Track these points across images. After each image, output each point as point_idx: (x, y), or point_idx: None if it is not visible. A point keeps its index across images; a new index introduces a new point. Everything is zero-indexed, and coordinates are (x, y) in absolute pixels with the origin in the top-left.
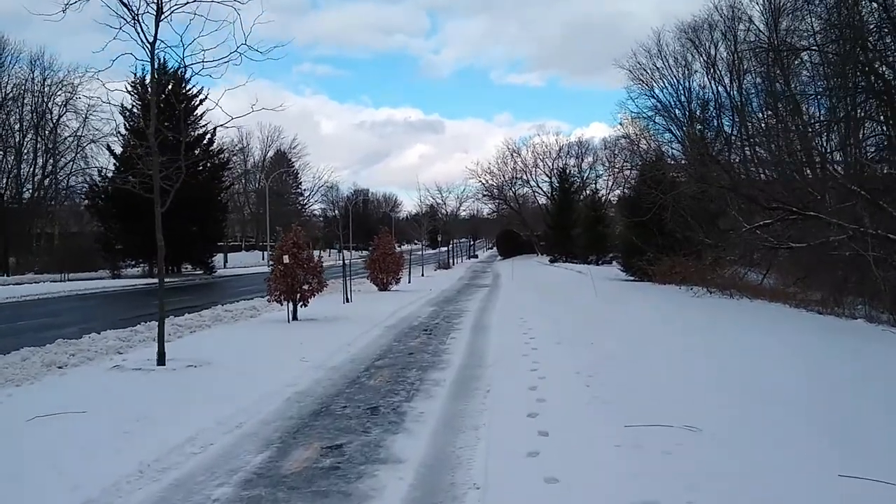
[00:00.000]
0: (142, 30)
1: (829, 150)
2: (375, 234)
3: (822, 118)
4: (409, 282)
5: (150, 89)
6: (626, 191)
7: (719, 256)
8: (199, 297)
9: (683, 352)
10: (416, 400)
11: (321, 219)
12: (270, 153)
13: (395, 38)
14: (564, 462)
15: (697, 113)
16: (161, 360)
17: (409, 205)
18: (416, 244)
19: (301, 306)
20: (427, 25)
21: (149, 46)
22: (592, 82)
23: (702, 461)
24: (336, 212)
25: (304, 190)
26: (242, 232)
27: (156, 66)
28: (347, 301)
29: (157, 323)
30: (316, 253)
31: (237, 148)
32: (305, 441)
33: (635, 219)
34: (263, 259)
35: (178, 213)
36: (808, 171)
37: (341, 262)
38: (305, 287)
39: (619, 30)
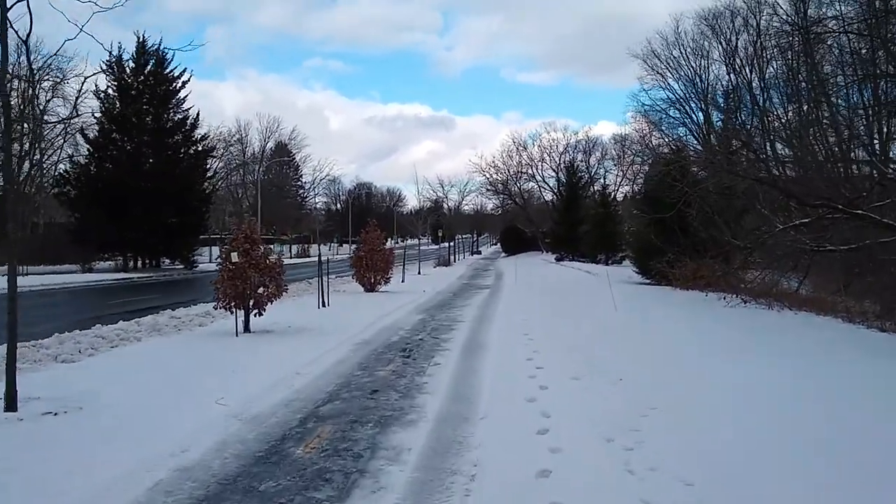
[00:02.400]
0: None
1: (869, 142)
2: (378, 228)
3: (860, 107)
4: (403, 281)
5: None
6: (636, 187)
7: (749, 259)
8: (164, 296)
9: (747, 395)
10: (354, 499)
11: (323, 212)
12: (270, 144)
13: (408, 35)
14: None
15: (721, 104)
16: (10, 403)
17: (414, 200)
18: (420, 239)
19: (255, 315)
20: (440, 23)
21: None
22: (602, 81)
23: None
24: (338, 206)
25: (305, 183)
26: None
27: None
28: (323, 305)
29: (97, 329)
30: (316, 247)
31: (234, 138)
32: None
33: (655, 215)
34: None
35: (156, 203)
36: (840, 167)
37: (336, 256)
38: (261, 291)
39: (633, 28)
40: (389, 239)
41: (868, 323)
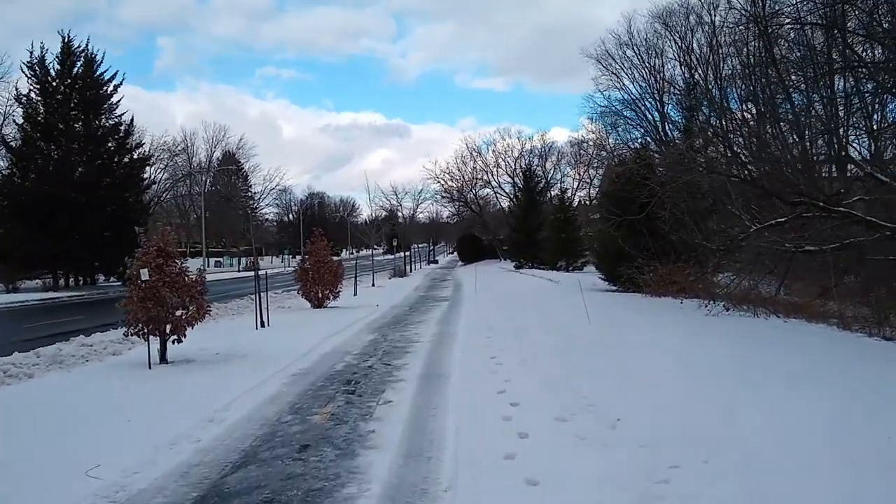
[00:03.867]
0: None
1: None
2: (331, 238)
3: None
4: (356, 294)
5: None
6: (593, 191)
7: (722, 262)
8: (90, 317)
9: (787, 439)
10: None
11: (274, 223)
12: (217, 154)
13: (362, 43)
14: None
15: (680, 102)
16: None
17: (369, 210)
18: (375, 249)
19: (174, 342)
20: (394, 29)
21: None
22: (556, 88)
23: None
24: (290, 216)
25: (255, 193)
26: (188, 238)
27: None
28: (262, 326)
29: None
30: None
31: (179, 148)
32: None
33: (623, 217)
34: (210, 266)
35: (88, 215)
36: (816, 165)
37: (288, 269)
38: (179, 314)
39: (585, 35)
40: (344, 250)
41: (867, 331)
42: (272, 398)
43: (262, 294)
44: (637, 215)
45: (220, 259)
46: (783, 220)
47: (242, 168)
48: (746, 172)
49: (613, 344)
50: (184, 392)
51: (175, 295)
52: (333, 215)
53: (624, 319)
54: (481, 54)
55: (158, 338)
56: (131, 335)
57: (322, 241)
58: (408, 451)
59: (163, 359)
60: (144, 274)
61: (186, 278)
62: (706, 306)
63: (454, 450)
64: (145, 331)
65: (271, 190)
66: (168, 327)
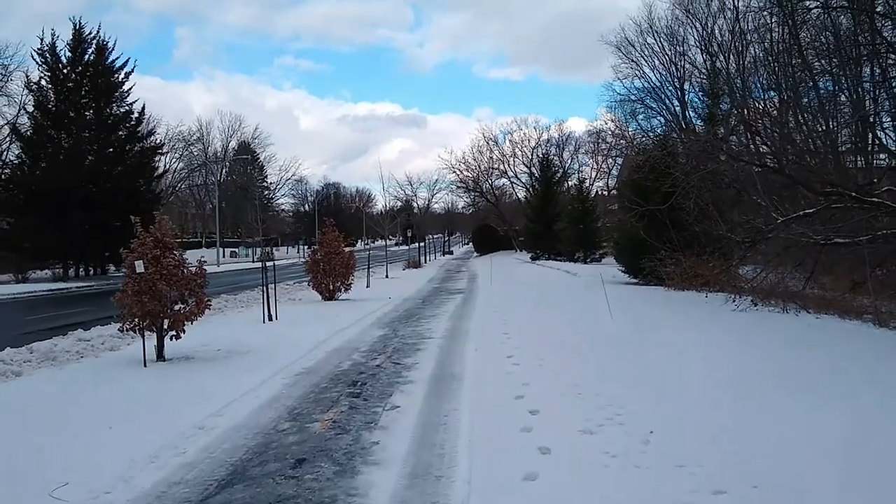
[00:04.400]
0: None
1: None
2: (346, 228)
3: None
4: (368, 286)
5: None
6: (611, 181)
7: (748, 255)
8: (97, 308)
9: (857, 461)
10: None
11: (290, 214)
12: (233, 144)
13: (379, 32)
14: None
15: (703, 89)
16: None
17: (384, 200)
18: (391, 240)
19: (172, 338)
20: (411, 19)
21: None
22: (573, 78)
23: None
24: (306, 207)
25: (271, 183)
26: (204, 228)
27: None
28: (270, 319)
29: None
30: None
31: (194, 137)
32: None
33: (645, 207)
34: (225, 256)
35: (99, 205)
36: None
37: (302, 260)
38: (178, 308)
39: (604, 24)
40: (359, 241)
41: None
42: (271, 401)
43: (271, 286)
44: (660, 205)
45: (236, 249)
46: (812, 210)
47: (258, 158)
48: (774, 162)
49: (639, 342)
50: (177, 394)
51: (173, 288)
52: (349, 206)
53: (648, 315)
54: (498, 44)
55: (155, 334)
56: (126, 331)
57: (333, 232)
58: (414, 469)
59: (160, 356)
60: (140, 266)
61: (185, 271)
62: (734, 301)
63: (467, 468)
64: (141, 326)
65: (287, 180)
66: (165, 322)
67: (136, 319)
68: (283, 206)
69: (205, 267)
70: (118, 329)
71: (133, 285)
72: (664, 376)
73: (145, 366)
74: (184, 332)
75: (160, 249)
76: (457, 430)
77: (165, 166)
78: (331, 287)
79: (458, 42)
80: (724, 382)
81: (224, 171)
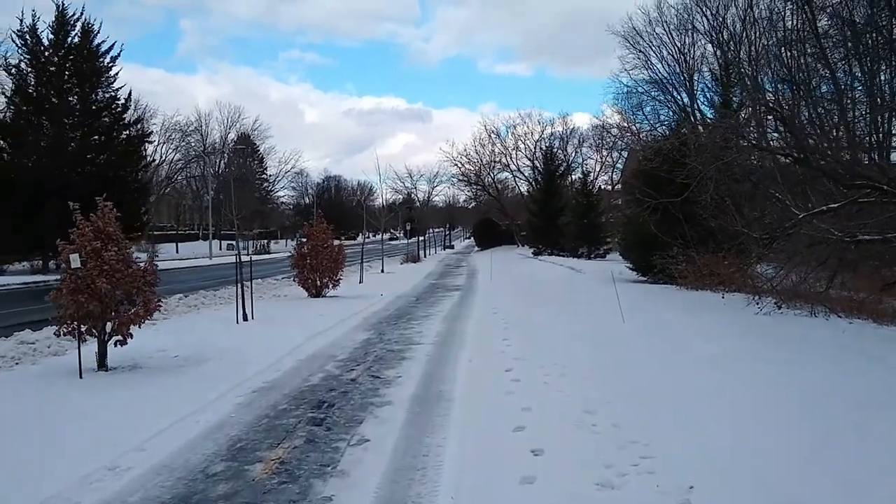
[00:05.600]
0: None
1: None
2: (347, 222)
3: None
4: (361, 281)
5: None
6: (616, 176)
7: (768, 252)
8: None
9: None
10: None
11: (290, 207)
12: (232, 135)
13: (385, 26)
14: None
15: (714, 79)
16: None
17: (387, 193)
18: (391, 233)
19: (118, 344)
20: (417, 13)
21: None
22: (578, 73)
23: None
24: (306, 199)
25: (270, 176)
26: (201, 220)
27: None
28: (245, 319)
29: None
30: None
31: (191, 128)
32: None
33: (657, 200)
34: (222, 249)
35: (81, 194)
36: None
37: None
38: (125, 308)
39: (610, 19)
40: (360, 234)
41: None
42: (212, 430)
43: (256, 282)
44: (675, 197)
45: (233, 242)
46: (836, 205)
47: (258, 150)
48: (800, 152)
49: (659, 353)
50: (103, 416)
51: (117, 286)
52: (350, 199)
53: (664, 319)
54: (504, 38)
55: (97, 339)
56: (64, 335)
57: (322, 224)
58: None
59: (101, 365)
60: (75, 260)
61: (133, 267)
62: (756, 303)
63: None
64: (81, 330)
65: (287, 173)
66: (109, 326)
67: (75, 322)
68: (282, 199)
69: (156, 262)
70: (54, 333)
71: (68, 282)
72: (695, 400)
73: (81, 377)
74: (131, 336)
75: (101, 241)
76: (437, 480)
77: (161, 157)
78: (318, 283)
79: (464, 36)
80: (772, 410)
81: (223, 162)
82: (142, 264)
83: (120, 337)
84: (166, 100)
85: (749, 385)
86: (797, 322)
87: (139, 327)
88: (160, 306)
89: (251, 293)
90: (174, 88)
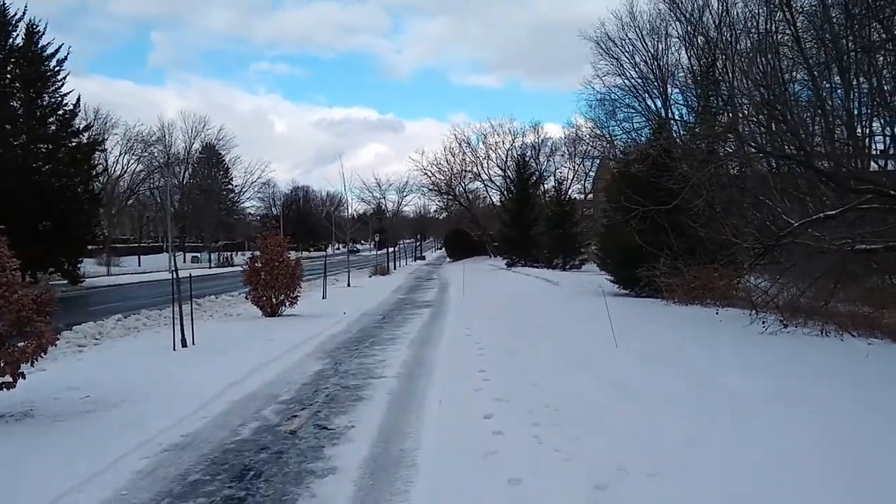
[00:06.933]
0: None
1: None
2: (315, 233)
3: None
4: (325, 297)
5: None
6: (587, 185)
7: (765, 264)
8: None
9: None
10: None
11: (257, 218)
12: (196, 145)
13: (357, 38)
14: None
15: (690, 84)
16: None
17: (357, 204)
18: (363, 244)
19: (4, 387)
20: (390, 25)
21: None
22: (550, 85)
23: None
24: (274, 210)
25: (236, 186)
26: (165, 232)
27: None
28: (184, 345)
29: None
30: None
31: (153, 138)
32: None
33: (644, 207)
34: (186, 262)
35: (25, 205)
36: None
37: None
38: (12, 343)
39: (581, 32)
40: (329, 246)
41: None
42: None
43: (210, 298)
44: (660, 205)
45: (198, 254)
46: (834, 213)
47: (223, 160)
48: (801, 154)
49: (671, 389)
50: None
51: (3, 318)
52: (319, 210)
53: (663, 342)
54: (476, 50)
55: None
56: None
57: (276, 237)
58: None
59: None
60: None
61: (17, 293)
62: (761, 322)
63: None
64: None
65: (253, 183)
66: None
67: None
68: (249, 210)
69: (53, 290)
70: None
71: None
72: (746, 466)
73: None
74: (22, 377)
75: None
76: None
77: (123, 168)
78: (273, 301)
79: (436, 48)
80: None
81: (187, 173)
82: (36, 292)
83: (8, 378)
84: (135, 112)
85: (805, 443)
86: (811, 344)
87: (32, 366)
88: (56, 341)
89: (191, 314)
90: (144, 100)
